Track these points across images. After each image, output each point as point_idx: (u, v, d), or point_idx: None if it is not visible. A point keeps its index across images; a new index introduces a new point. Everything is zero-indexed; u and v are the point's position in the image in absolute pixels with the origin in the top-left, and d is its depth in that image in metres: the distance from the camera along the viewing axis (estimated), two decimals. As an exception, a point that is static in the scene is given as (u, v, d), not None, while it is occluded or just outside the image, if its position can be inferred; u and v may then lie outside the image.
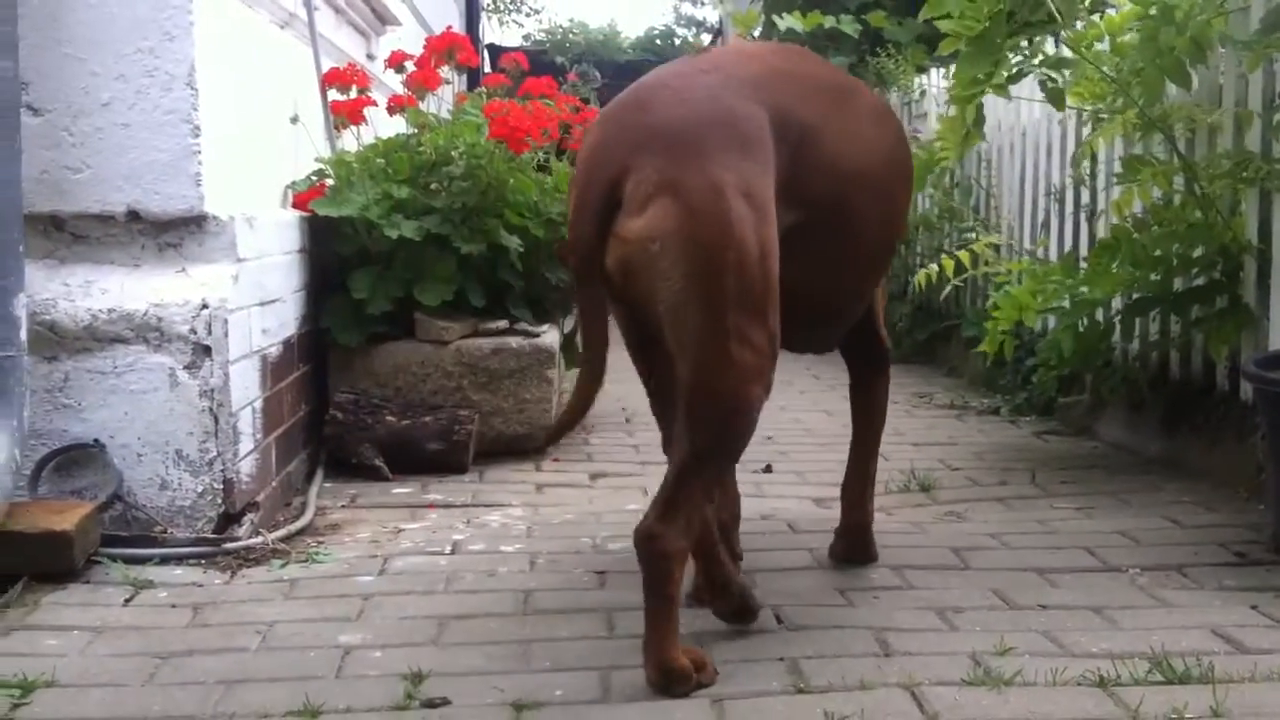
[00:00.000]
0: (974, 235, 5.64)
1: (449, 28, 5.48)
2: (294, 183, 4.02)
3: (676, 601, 2.14)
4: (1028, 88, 4.39)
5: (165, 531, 2.92)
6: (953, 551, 2.96)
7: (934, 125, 6.57)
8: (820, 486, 3.59)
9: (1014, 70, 3.72)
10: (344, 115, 4.31)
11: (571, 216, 2.21)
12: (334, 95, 4.33)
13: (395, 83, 4.70)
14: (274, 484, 3.31)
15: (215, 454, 2.94)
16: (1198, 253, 3.76)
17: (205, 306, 2.95)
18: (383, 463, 3.73)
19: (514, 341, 4.01)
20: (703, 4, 16.91)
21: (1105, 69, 3.78)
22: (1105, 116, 4.06)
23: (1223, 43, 3.60)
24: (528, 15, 16.77)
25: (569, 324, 4.69)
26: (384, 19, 5.66)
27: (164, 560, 2.85)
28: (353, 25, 5.24)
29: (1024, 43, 3.75)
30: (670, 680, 2.11)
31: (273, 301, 3.40)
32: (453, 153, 4.02)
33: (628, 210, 2.12)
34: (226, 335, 2.96)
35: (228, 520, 2.98)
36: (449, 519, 3.32)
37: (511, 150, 4.12)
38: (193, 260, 3.03)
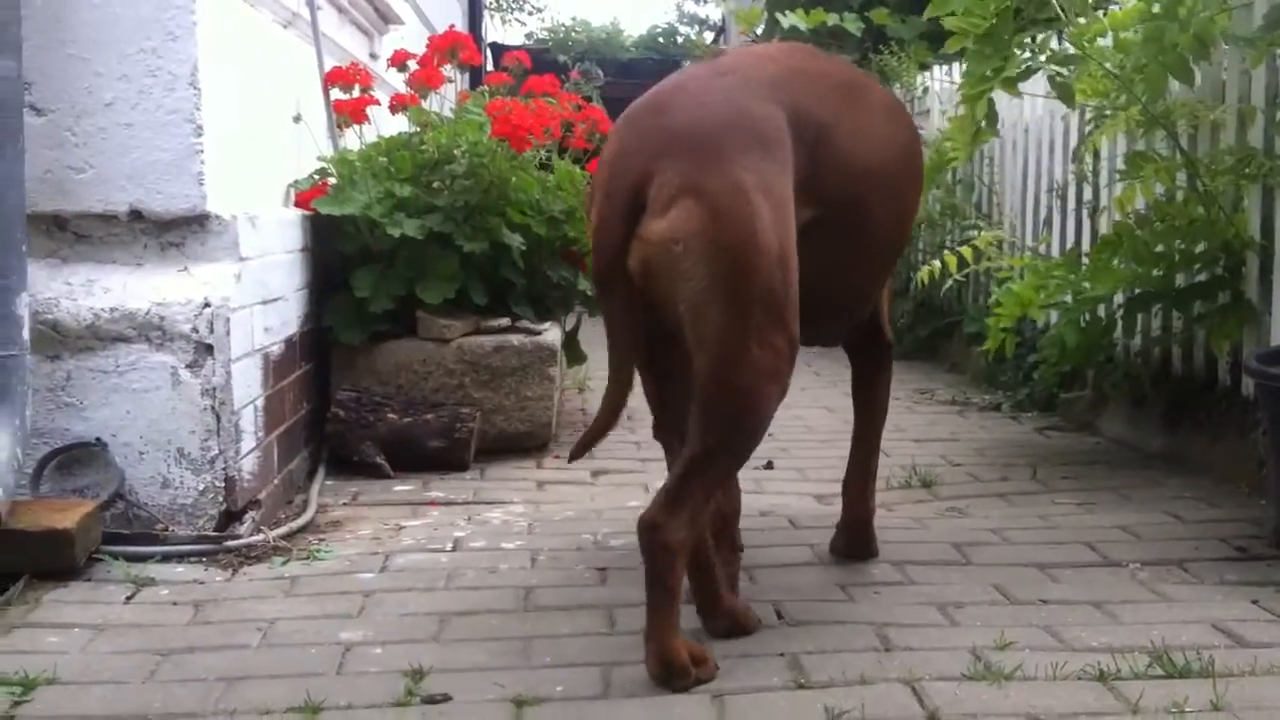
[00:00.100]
0: (976, 232, 5.64)
1: (452, 26, 5.48)
2: (296, 181, 4.02)
3: (678, 593, 2.15)
4: (1031, 84, 4.39)
5: (167, 529, 2.92)
6: (954, 547, 2.96)
7: (937, 123, 6.59)
8: (821, 483, 3.60)
9: (1023, 67, 3.72)
10: (347, 114, 4.31)
11: (595, 221, 2.22)
12: (337, 94, 4.34)
13: (398, 81, 4.71)
14: (275, 482, 3.32)
15: (217, 452, 2.95)
16: (1200, 248, 3.76)
17: (207, 305, 2.96)
18: (384, 460, 3.74)
19: (516, 339, 4.01)
20: (705, 2, 16.91)
21: (1108, 65, 3.78)
22: (1108, 113, 4.06)
23: (1226, 39, 3.60)
24: (530, 14, 16.76)
25: (570, 322, 4.69)
26: (387, 18, 5.67)
27: (165, 558, 2.85)
28: (355, 24, 5.25)
29: (1029, 39, 3.75)
30: (670, 672, 2.11)
31: (275, 300, 3.41)
32: (455, 151, 4.02)
33: (651, 213, 2.15)
34: (228, 334, 2.97)
35: (229, 518, 2.99)
36: (450, 516, 3.32)
37: (514, 149, 4.13)
38: (195, 259, 3.03)
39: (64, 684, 2.18)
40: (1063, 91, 3.81)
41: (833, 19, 7.29)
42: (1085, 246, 4.72)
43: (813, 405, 4.98)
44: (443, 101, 4.73)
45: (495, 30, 15.41)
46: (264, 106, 3.65)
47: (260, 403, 3.21)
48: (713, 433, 2.16)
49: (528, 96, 4.65)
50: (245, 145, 3.38)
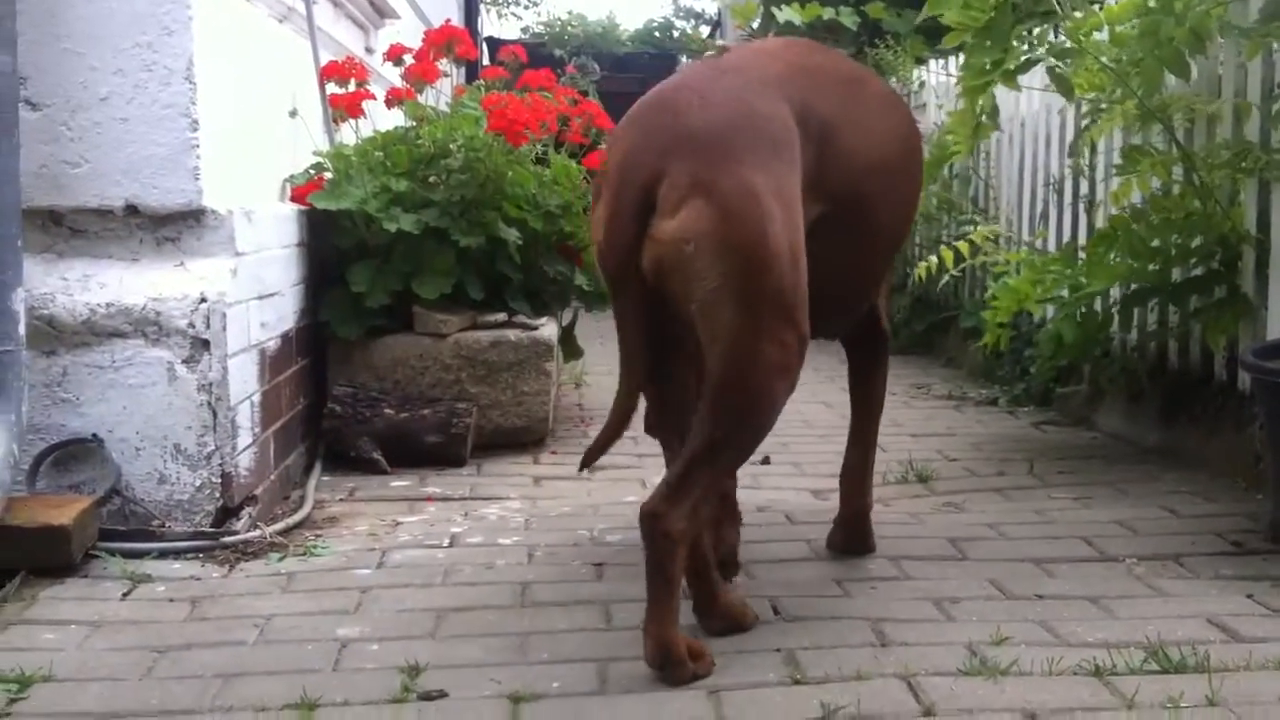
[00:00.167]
0: (973, 227, 5.64)
1: (447, 21, 5.48)
2: (292, 176, 4.02)
3: (678, 583, 2.16)
4: (1028, 78, 4.39)
5: (163, 525, 2.92)
6: (950, 542, 2.96)
7: (933, 117, 6.58)
8: (818, 478, 3.60)
9: (1022, 60, 3.72)
10: (342, 108, 4.30)
11: (606, 222, 2.23)
12: (332, 89, 4.33)
13: (394, 76, 4.70)
14: (272, 477, 3.32)
15: (213, 448, 2.95)
16: (1196, 243, 3.76)
17: (203, 300, 2.95)
18: (381, 456, 3.74)
19: (512, 334, 4.01)
20: (702, -4, 16.90)
21: (1105, 59, 3.78)
22: (1104, 107, 4.05)
23: (1222, 32, 3.60)
24: (526, 8, 16.73)
25: (567, 317, 4.69)
26: (382, 12, 5.66)
27: (162, 554, 2.85)
28: (351, 19, 5.24)
29: (1027, 32, 3.74)
30: (668, 662, 2.12)
31: (271, 295, 3.41)
32: (451, 146, 4.02)
33: (662, 213, 2.16)
34: (225, 329, 2.97)
35: (226, 514, 2.99)
36: (447, 512, 3.32)
37: (510, 143, 4.12)
38: (191, 254, 3.03)
39: (60, 681, 2.18)
40: (1061, 84, 3.80)
41: (828, 13, 7.29)
42: (1082, 241, 4.72)
43: (810, 400, 4.98)
44: (438, 96, 4.72)
45: (491, 24, 15.39)
46: (260, 101, 3.65)
47: (257, 398, 3.21)
48: (720, 426, 2.17)
49: (524, 91, 4.64)
50: (241, 140, 3.38)
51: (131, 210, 3.01)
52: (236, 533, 2.97)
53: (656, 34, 14.38)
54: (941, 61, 6.55)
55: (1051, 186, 5.17)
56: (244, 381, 3.11)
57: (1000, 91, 3.96)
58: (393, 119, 4.65)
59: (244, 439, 3.08)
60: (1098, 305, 4.25)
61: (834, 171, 2.40)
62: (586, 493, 3.52)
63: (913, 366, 6.00)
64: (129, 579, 2.71)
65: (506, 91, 4.55)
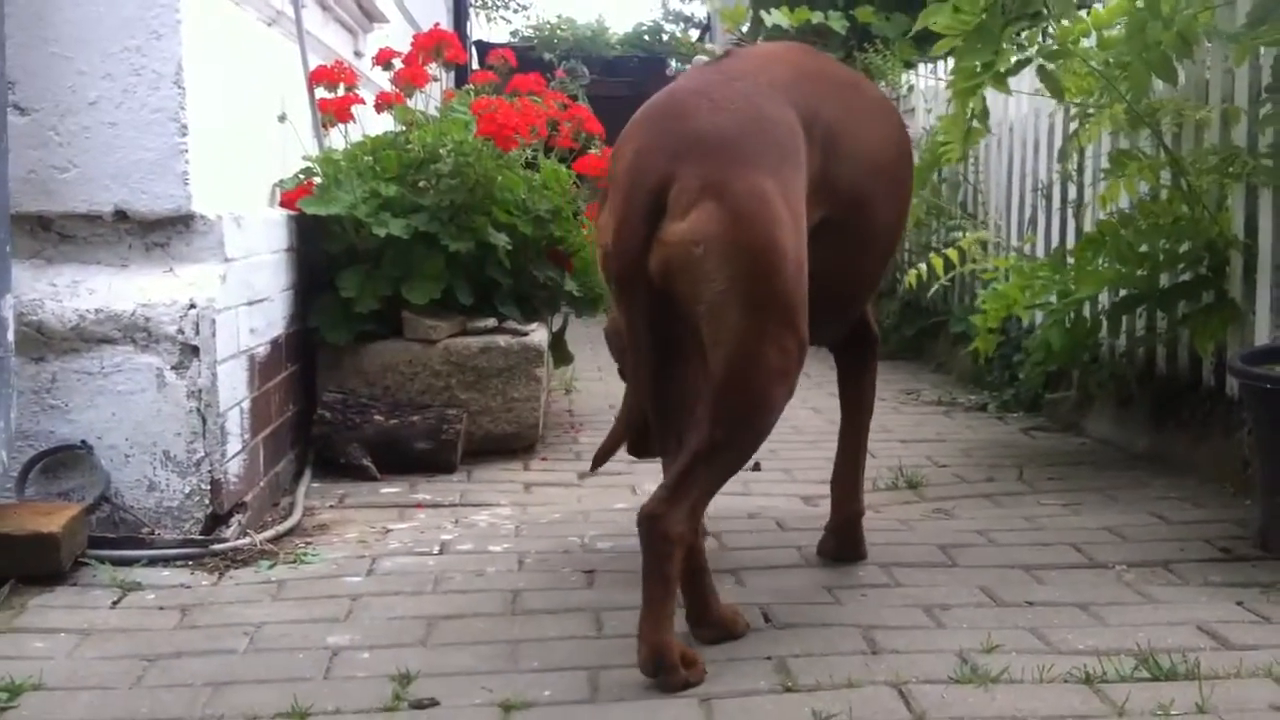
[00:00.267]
0: (962, 232, 5.65)
1: (437, 25, 5.47)
2: (282, 181, 4.01)
3: (674, 586, 2.17)
4: (1016, 81, 4.40)
5: (153, 533, 2.91)
6: (940, 549, 2.96)
7: (922, 121, 6.60)
8: (808, 484, 3.60)
9: (1013, 62, 3.73)
10: (331, 113, 4.30)
11: (615, 224, 2.23)
12: (321, 93, 4.32)
13: (383, 80, 4.69)
14: (262, 484, 3.31)
15: (203, 454, 2.94)
16: (1184, 248, 3.77)
17: (193, 306, 2.95)
18: (371, 462, 3.73)
19: (502, 340, 4.01)
20: (690, 0, 16.92)
21: (1093, 63, 3.79)
22: (1092, 111, 4.07)
23: (1209, 37, 3.61)
24: (515, 11, 16.75)
25: (557, 322, 4.69)
26: (371, 16, 5.65)
27: (151, 562, 2.84)
28: (340, 22, 5.23)
29: (1017, 34, 3.75)
30: (662, 667, 2.12)
31: (260, 301, 3.40)
32: (441, 150, 4.01)
33: (672, 215, 2.18)
34: (214, 335, 2.96)
35: (215, 521, 2.98)
36: (437, 519, 3.32)
37: (499, 147, 4.12)
38: (180, 260, 3.02)
39: (50, 690, 2.17)
40: (1051, 83, 3.81)
41: (817, 17, 7.30)
42: (1070, 246, 4.73)
43: (800, 406, 4.98)
44: (428, 100, 4.72)
45: (480, 28, 15.40)
46: (249, 105, 3.64)
47: (246, 405, 3.20)
48: (721, 428, 2.18)
49: (513, 95, 4.65)
50: (230, 145, 3.37)
51: (120, 216, 3.00)
52: (226, 540, 2.96)
53: (646, 38, 14.37)
54: (930, 66, 6.56)
55: (1040, 191, 5.19)
56: (233, 388, 3.10)
57: (989, 96, 3.97)
58: (382, 123, 4.65)
59: (233, 446, 3.07)
60: (1086, 311, 4.26)
61: (837, 176, 2.43)
62: (577, 499, 3.52)
63: (902, 372, 6.01)
64: (118, 587, 2.70)
65: (496, 96, 4.55)
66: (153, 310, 2.94)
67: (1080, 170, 4.75)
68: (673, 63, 12.82)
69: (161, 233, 3.02)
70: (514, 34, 15.39)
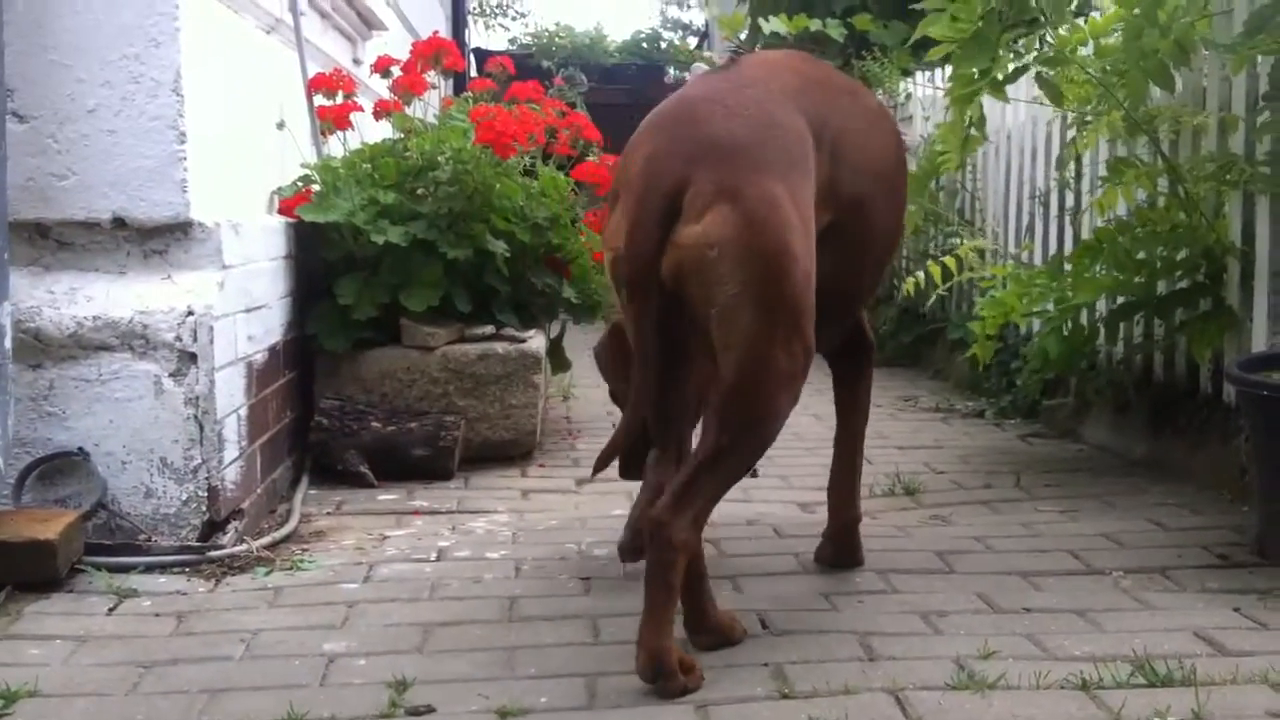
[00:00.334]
0: (959, 239, 5.65)
1: (435, 32, 5.49)
2: (280, 188, 4.01)
3: (677, 592, 2.17)
4: (1014, 89, 4.41)
5: (149, 540, 2.91)
6: (937, 555, 2.96)
7: (920, 129, 6.60)
8: (805, 491, 3.60)
9: (1011, 70, 3.74)
10: (330, 120, 4.30)
11: (629, 227, 2.24)
12: (320, 100, 4.33)
13: (381, 88, 4.70)
14: (259, 491, 3.31)
15: (200, 461, 2.94)
16: (1181, 255, 3.78)
17: (190, 313, 2.95)
18: (368, 469, 3.73)
19: (500, 347, 4.01)
20: (689, 7, 16.93)
21: (1091, 70, 3.80)
22: (1090, 119, 4.07)
23: (1206, 45, 3.62)
24: (514, 19, 16.74)
25: (555, 329, 4.69)
26: (370, 24, 5.66)
27: (148, 569, 2.84)
28: (339, 30, 5.24)
29: (1014, 41, 3.76)
30: (661, 674, 2.12)
31: (258, 308, 3.40)
32: (439, 158, 4.02)
33: (686, 218, 2.20)
34: (212, 342, 2.96)
35: (212, 528, 2.98)
36: (434, 525, 3.32)
37: (498, 155, 4.13)
38: (178, 267, 3.02)
39: (46, 696, 2.17)
40: (1049, 91, 3.82)
41: (815, 24, 7.32)
42: (1068, 253, 4.73)
43: (800, 412, 4.91)
44: (426, 108, 4.72)
45: (479, 36, 15.40)
46: (247, 113, 3.64)
47: (243, 411, 3.20)
48: (727, 433, 2.20)
49: (511, 102, 4.65)
50: (229, 152, 3.37)
51: (119, 223, 3.00)
52: (223, 547, 2.96)
53: (644, 45, 14.39)
54: (928, 74, 6.57)
55: (1037, 199, 5.19)
56: (231, 395, 3.10)
57: (987, 104, 3.98)
58: (380, 131, 4.65)
59: (231, 452, 3.07)
60: (1084, 318, 4.26)
61: (841, 182, 2.46)
62: (574, 506, 3.52)
63: (900, 379, 6.01)
64: (115, 593, 2.70)
65: (494, 103, 4.55)
66: (150, 317, 2.94)
67: (1078, 178, 4.75)
68: (671, 70, 12.83)
69: (160, 240, 3.02)
70: (512, 41, 15.39)
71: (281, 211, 3.94)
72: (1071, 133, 4.35)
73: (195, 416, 2.93)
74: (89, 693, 2.19)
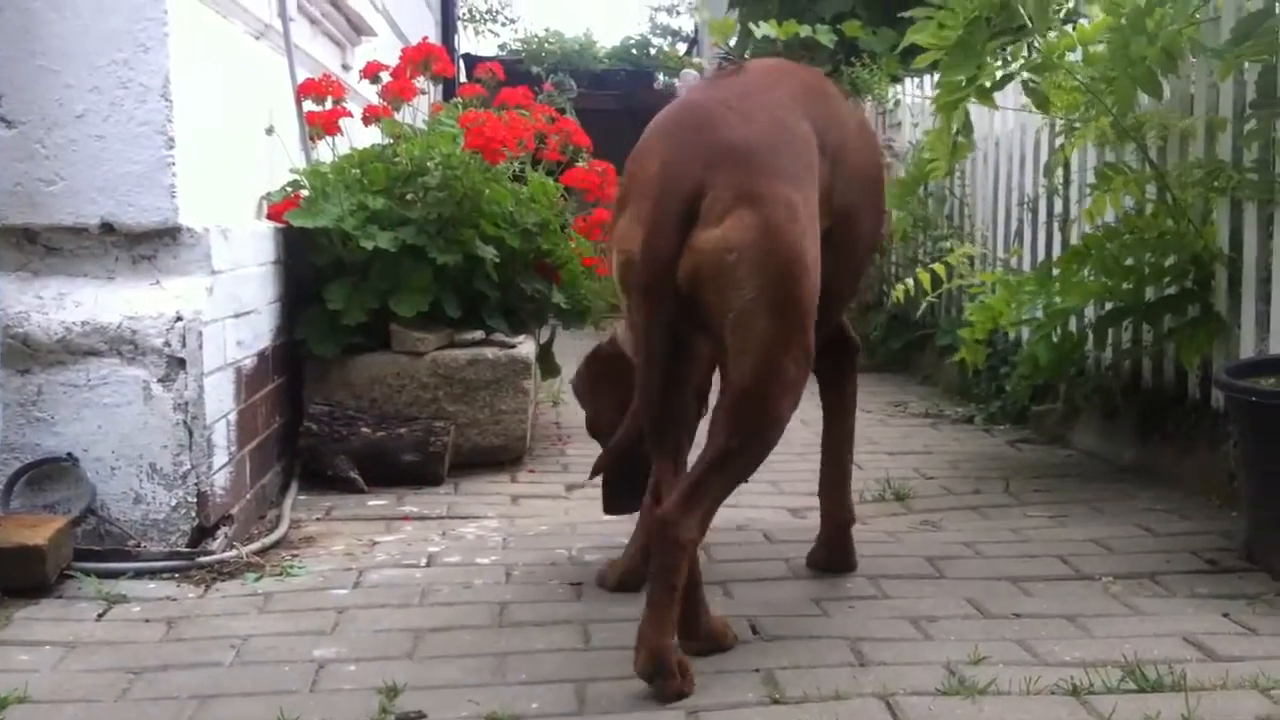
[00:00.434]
0: (948, 245, 5.67)
1: (425, 38, 5.48)
2: (269, 194, 4.01)
3: (680, 591, 2.18)
4: (1002, 96, 4.42)
5: (139, 545, 2.91)
6: (927, 560, 2.97)
7: (909, 135, 6.62)
8: (796, 496, 3.60)
9: (998, 76, 3.75)
10: (319, 126, 4.29)
11: (645, 231, 2.25)
12: (309, 106, 4.32)
13: (371, 93, 4.69)
14: (248, 497, 3.30)
15: (189, 467, 2.93)
16: (1169, 261, 3.79)
17: (179, 319, 2.94)
18: (358, 475, 3.72)
19: (490, 352, 4.00)
20: (678, 13, 16.94)
21: (1079, 77, 3.81)
22: (1078, 125, 4.08)
23: (1194, 52, 3.63)
24: (504, 25, 16.72)
25: (544, 335, 4.69)
26: (359, 30, 5.66)
27: (137, 574, 2.83)
28: (328, 36, 5.24)
29: (1002, 49, 3.77)
30: (659, 671, 2.12)
31: (247, 313, 3.40)
32: (428, 163, 4.02)
33: (704, 223, 2.22)
34: (201, 348, 2.95)
35: (202, 534, 2.97)
36: (424, 531, 3.31)
37: (487, 161, 4.13)
38: (167, 272, 3.02)
39: (35, 703, 2.17)
40: (1035, 97, 3.83)
41: (805, 30, 7.32)
42: (1056, 259, 4.74)
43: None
44: (415, 113, 4.72)
45: (468, 41, 15.38)
46: (236, 118, 3.64)
47: (233, 417, 3.20)
48: (736, 435, 2.22)
49: (501, 108, 4.64)
50: (217, 157, 3.37)
51: (107, 228, 2.99)
52: (212, 553, 2.95)
53: (634, 51, 14.37)
54: (917, 80, 6.59)
55: (1026, 205, 5.20)
56: (220, 400, 3.09)
57: (975, 111, 3.99)
58: (370, 136, 4.65)
59: (220, 458, 3.06)
60: (1072, 325, 4.27)
61: (838, 190, 2.50)
62: (564, 511, 3.52)
63: (889, 384, 6.02)
64: (104, 599, 2.69)
65: (484, 109, 4.55)
66: (139, 323, 2.93)
67: (1066, 184, 4.76)
68: (660, 76, 12.85)
69: (148, 245, 3.01)
70: (502, 47, 15.39)
71: (270, 217, 3.93)
72: (1060, 139, 4.36)
73: (184, 422, 2.93)
74: (78, 699, 2.18)
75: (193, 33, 3.14)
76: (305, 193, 4.00)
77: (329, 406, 3.84)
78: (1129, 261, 3.82)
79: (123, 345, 2.93)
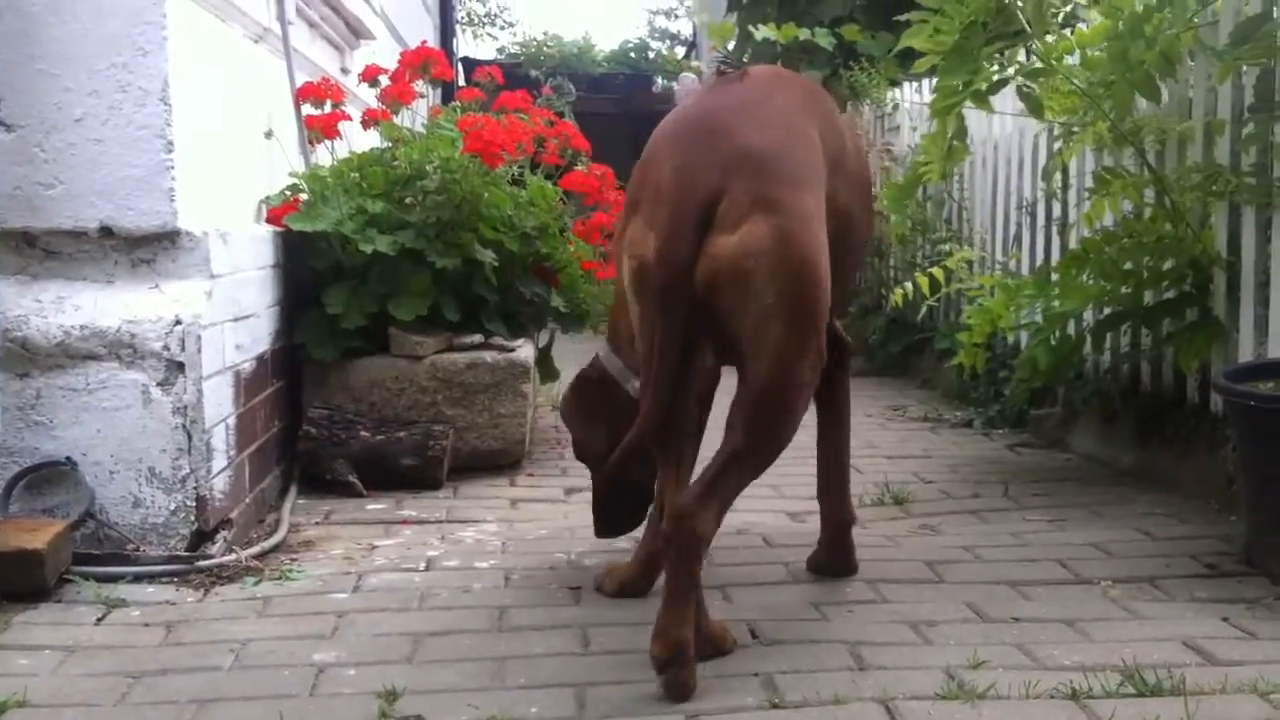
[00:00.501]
0: (947, 249, 5.67)
1: (424, 42, 5.48)
2: (268, 198, 4.01)
3: (698, 582, 2.21)
4: (1001, 101, 4.42)
5: (138, 549, 2.90)
6: (926, 565, 2.97)
7: (907, 139, 6.62)
8: (795, 500, 3.60)
9: (994, 80, 3.75)
10: (318, 129, 4.30)
11: (662, 237, 2.25)
12: (308, 109, 4.32)
13: (370, 97, 4.70)
14: (247, 501, 3.30)
15: (188, 471, 2.93)
16: (1168, 265, 3.79)
17: (178, 323, 2.94)
18: (356, 479, 3.72)
19: (489, 356, 4.00)
20: (677, 17, 16.96)
21: (1077, 82, 3.81)
22: (1076, 129, 4.09)
23: (1192, 55, 3.63)
24: (502, 29, 16.76)
25: (544, 338, 4.69)
26: (358, 33, 5.66)
27: (136, 578, 2.83)
28: (327, 39, 5.24)
29: (999, 54, 3.78)
30: (677, 659, 2.13)
31: (246, 317, 3.40)
32: (427, 167, 4.02)
33: (721, 228, 2.23)
34: (200, 351, 2.95)
35: (201, 538, 2.97)
36: (423, 535, 3.31)
37: (486, 164, 4.13)
38: (166, 276, 3.02)
39: (35, 707, 2.16)
40: (1030, 103, 3.83)
41: (804, 34, 7.34)
42: (1055, 263, 4.74)
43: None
44: (414, 117, 4.73)
45: (467, 45, 15.41)
46: (235, 122, 3.64)
47: (232, 421, 3.20)
48: (753, 435, 2.24)
49: (500, 112, 4.65)
50: (217, 161, 3.37)
51: (106, 232, 2.99)
52: (211, 556, 2.95)
53: (632, 55, 14.40)
54: (915, 84, 6.59)
55: (1025, 209, 5.21)
56: (219, 404, 3.09)
57: (973, 114, 4.00)
58: (369, 140, 4.65)
59: (219, 462, 3.06)
60: (1071, 328, 4.27)
61: (838, 195, 2.51)
62: (563, 515, 3.52)
63: (888, 388, 6.02)
64: (103, 603, 2.69)
65: (482, 113, 4.55)
66: (138, 326, 2.93)
67: (1065, 188, 4.77)
68: (659, 80, 12.85)
69: (147, 249, 3.01)
70: (501, 51, 15.41)
71: (269, 220, 3.93)
72: (1059, 144, 4.36)
73: (183, 426, 2.93)
74: (78, 703, 2.18)
75: (191, 36, 3.14)
76: (304, 196, 4.00)
77: (328, 410, 3.84)
78: (1127, 265, 3.82)
79: (122, 349, 2.93)
